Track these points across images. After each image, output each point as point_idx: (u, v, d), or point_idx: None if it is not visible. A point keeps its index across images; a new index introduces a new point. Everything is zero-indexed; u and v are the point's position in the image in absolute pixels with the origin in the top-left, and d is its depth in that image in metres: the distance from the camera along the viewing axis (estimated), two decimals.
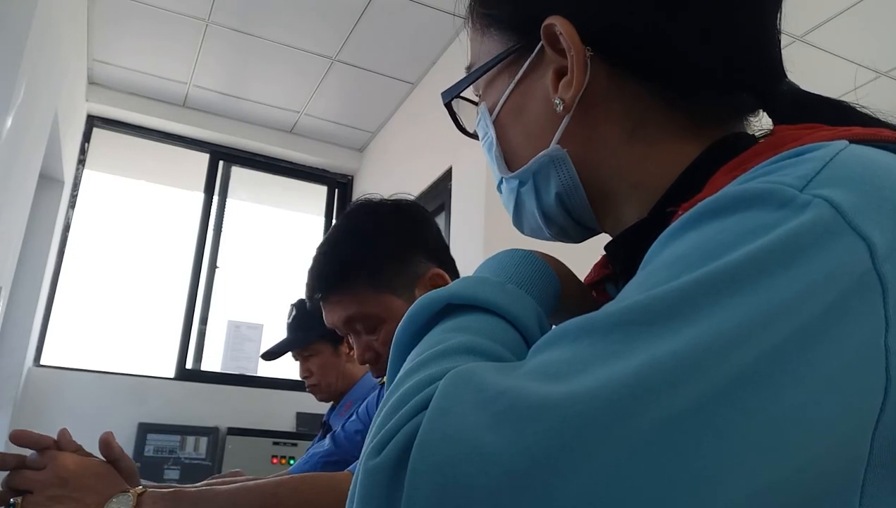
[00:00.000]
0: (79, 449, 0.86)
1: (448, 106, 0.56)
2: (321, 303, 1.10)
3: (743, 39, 0.45)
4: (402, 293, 1.06)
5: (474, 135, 0.57)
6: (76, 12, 2.80)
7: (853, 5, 2.67)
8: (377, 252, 1.06)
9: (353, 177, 4.30)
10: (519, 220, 0.54)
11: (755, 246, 0.28)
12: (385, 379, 1.07)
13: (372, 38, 3.09)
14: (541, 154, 0.48)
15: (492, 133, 0.52)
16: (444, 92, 0.55)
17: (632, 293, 0.31)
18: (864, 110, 0.43)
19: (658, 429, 0.25)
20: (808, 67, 3.00)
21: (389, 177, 3.70)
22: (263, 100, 3.69)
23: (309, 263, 1.10)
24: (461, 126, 0.58)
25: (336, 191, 4.32)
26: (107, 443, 0.87)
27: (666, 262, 0.31)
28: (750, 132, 0.47)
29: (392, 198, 1.15)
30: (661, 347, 0.27)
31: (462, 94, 0.56)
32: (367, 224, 1.11)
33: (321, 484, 0.87)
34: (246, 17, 3.01)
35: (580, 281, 0.53)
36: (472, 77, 0.53)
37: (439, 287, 1.05)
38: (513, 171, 0.51)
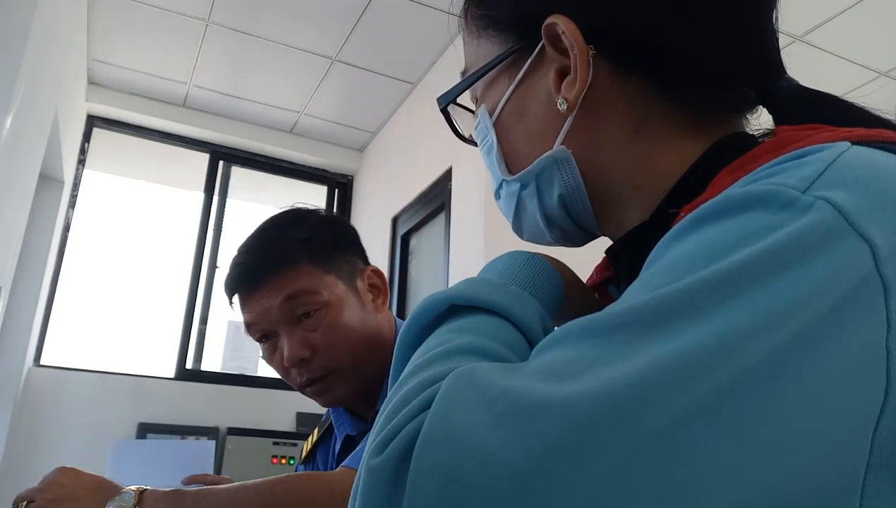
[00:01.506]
0: None
1: (444, 111, 0.56)
2: (248, 296, 1.00)
3: (744, 36, 0.45)
4: (345, 279, 1.01)
5: (471, 141, 0.56)
6: (76, 12, 2.80)
7: (853, 5, 2.67)
8: (319, 233, 1.01)
9: (353, 177, 4.30)
10: (519, 225, 0.53)
11: (758, 247, 0.28)
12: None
13: (372, 38, 3.09)
14: (544, 155, 0.47)
15: (492, 136, 0.51)
16: (440, 97, 0.55)
17: (635, 294, 0.31)
18: (865, 107, 0.43)
19: (661, 430, 0.25)
20: (808, 67, 3.01)
21: (389, 177, 3.70)
22: (263, 100, 3.69)
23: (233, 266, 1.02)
24: (458, 131, 0.57)
25: (336, 191, 4.32)
26: None
27: (669, 264, 0.31)
28: (749, 131, 0.47)
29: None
30: (664, 348, 0.27)
31: (458, 101, 0.55)
32: (303, 214, 1.06)
33: (317, 483, 0.88)
34: (246, 17, 3.01)
35: (583, 283, 0.53)
36: (469, 80, 0.52)
37: (378, 286, 1.05)
38: (514, 174, 0.50)
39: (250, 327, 1.01)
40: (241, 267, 1.01)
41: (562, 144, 0.47)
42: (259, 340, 1.03)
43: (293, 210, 1.08)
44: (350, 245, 1.06)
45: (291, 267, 0.98)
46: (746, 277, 0.28)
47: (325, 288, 0.98)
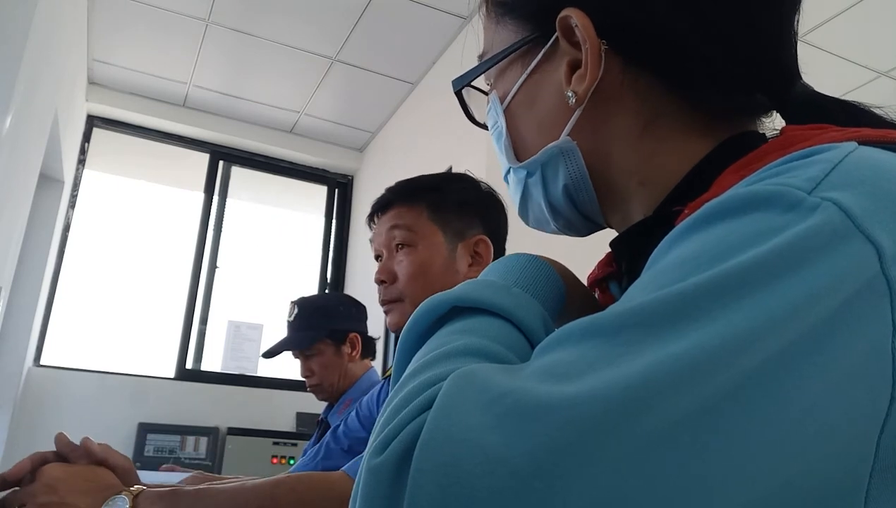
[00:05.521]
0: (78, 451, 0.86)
1: (458, 94, 0.56)
2: (374, 218, 1.19)
3: (759, 38, 0.44)
4: (448, 236, 1.14)
5: (483, 125, 0.57)
6: (76, 12, 2.80)
7: (853, 5, 2.67)
8: (447, 191, 1.18)
9: (353, 177, 4.30)
10: (525, 211, 0.54)
11: (763, 249, 0.28)
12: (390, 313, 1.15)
13: (372, 38, 3.09)
14: (550, 145, 0.48)
15: (502, 122, 0.51)
16: (455, 80, 0.55)
17: (638, 294, 0.31)
18: (878, 111, 0.42)
19: (663, 432, 0.25)
20: (808, 67, 2.98)
21: (389, 177, 3.68)
22: (263, 100, 3.69)
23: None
24: (470, 115, 0.58)
25: (336, 191, 4.32)
26: (87, 450, 0.87)
27: (673, 263, 0.31)
28: (761, 132, 0.47)
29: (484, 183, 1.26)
30: (667, 350, 0.26)
31: (473, 84, 0.55)
32: (447, 175, 1.27)
33: (317, 484, 0.88)
34: (246, 17, 3.01)
35: (584, 286, 0.53)
36: (484, 65, 0.52)
37: (481, 255, 1.13)
38: (521, 161, 0.51)
39: (371, 244, 1.21)
40: (380, 195, 1.21)
41: (568, 136, 0.47)
42: (376, 258, 1.20)
43: (460, 173, 1.26)
44: (475, 213, 1.17)
45: (407, 206, 1.16)
46: (751, 279, 0.28)
47: (424, 231, 1.14)
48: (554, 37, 0.47)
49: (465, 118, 0.59)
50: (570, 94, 0.45)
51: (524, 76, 0.49)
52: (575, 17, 0.44)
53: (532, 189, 0.51)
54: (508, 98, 0.51)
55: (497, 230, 1.20)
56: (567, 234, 0.54)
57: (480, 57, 0.54)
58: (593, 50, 0.44)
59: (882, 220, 0.29)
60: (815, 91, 0.45)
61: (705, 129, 0.45)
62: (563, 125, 0.47)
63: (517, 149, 0.51)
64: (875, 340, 0.27)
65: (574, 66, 0.46)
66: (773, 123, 0.47)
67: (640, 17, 0.44)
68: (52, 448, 0.88)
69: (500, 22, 0.51)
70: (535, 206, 0.52)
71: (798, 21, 0.46)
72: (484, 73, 0.53)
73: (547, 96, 0.48)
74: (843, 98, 0.44)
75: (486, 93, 0.55)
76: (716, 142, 0.44)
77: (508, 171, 0.53)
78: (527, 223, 0.55)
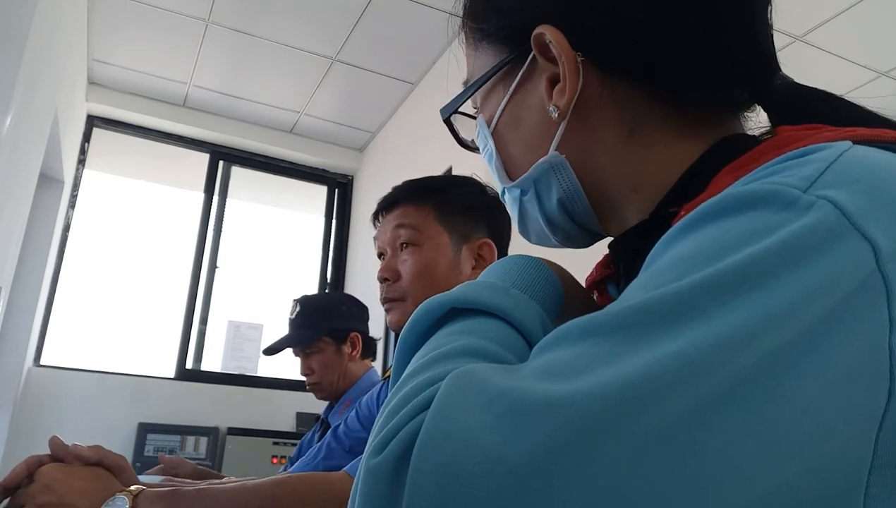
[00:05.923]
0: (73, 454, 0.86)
1: (447, 121, 0.57)
2: (380, 216, 1.19)
3: (734, 35, 0.45)
4: (453, 238, 1.15)
5: (474, 147, 0.57)
6: (76, 12, 2.80)
7: (853, 5, 2.67)
8: (454, 193, 1.19)
9: (353, 177, 4.30)
10: (525, 229, 0.54)
11: (759, 247, 0.28)
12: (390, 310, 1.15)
13: (372, 38, 3.09)
14: (540, 161, 0.48)
15: (491, 144, 0.52)
16: (443, 109, 0.56)
17: (635, 293, 0.31)
18: (861, 105, 0.43)
19: (660, 431, 0.25)
20: (808, 67, 3.00)
21: (389, 176, 3.69)
22: (263, 100, 3.69)
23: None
24: (461, 139, 0.59)
25: (336, 191, 4.32)
26: (77, 455, 0.86)
27: (669, 263, 0.31)
28: (747, 128, 0.48)
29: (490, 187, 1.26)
30: (664, 348, 0.27)
31: (460, 110, 0.56)
32: (455, 178, 1.28)
33: (318, 484, 0.88)
34: (246, 17, 3.01)
35: (583, 288, 0.53)
36: (467, 92, 0.53)
37: (483, 257, 1.13)
38: (513, 180, 0.51)
39: (375, 241, 1.22)
40: (387, 194, 1.22)
41: (556, 150, 0.48)
42: (378, 256, 1.21)
43: (465, 176, 1.26)
44: (481, 218, 1.18)
45: (414, 205, 1.16)
46: (747, 278, 0.28)
47: (429, 231, 1.14)
48: (531, 55, 0.47)
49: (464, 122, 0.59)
50: (552, 109, 0.46)
51: (507, 96, 0.50)
52: (548, 33, 0.45)
53: (528, 206, 0.52)
54: (495, 120, 0.51)
55: (501, 235, 1.20)
56: (569, 247, 0.55)
57: (465, 83, 0.55)
58: (569, 63, 0.45)
59: (877, 218, 0.29)
60: (795, 82, 0.46)
61: (691, 131, 0.45)
62: (550, 140, 0.48)
63: (508, 169, 0.52)
64: (872, 338, 0.27)
65: (553, 81, 0.47)
66: (758, 117, 0.47)
67: (609, 26, 0.45)
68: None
69: (479, 48, 0.52)
70: (533, 223, 0.53)
71: (771, 12, 0.46)
72: (469, 98, 0.54)
73: (531, 114, 0.49)
74: (825, 90, 0.44)
75: (474, 118, 0.56)
76: (705, 143, 0.45)
77: (503, 192, 0.54)
78: (529, 240, 0.56)
